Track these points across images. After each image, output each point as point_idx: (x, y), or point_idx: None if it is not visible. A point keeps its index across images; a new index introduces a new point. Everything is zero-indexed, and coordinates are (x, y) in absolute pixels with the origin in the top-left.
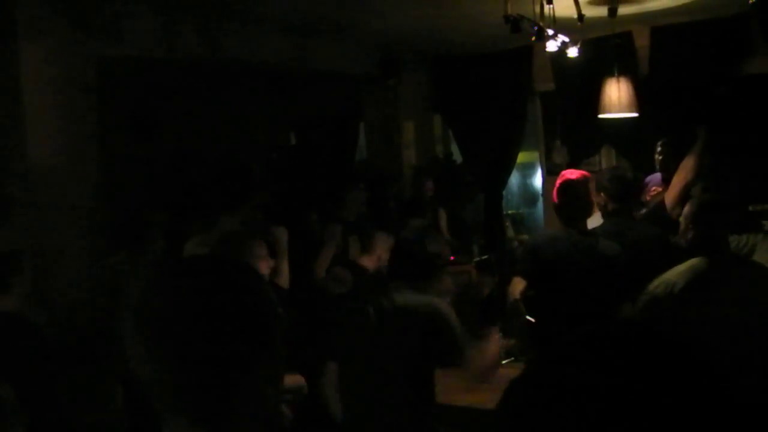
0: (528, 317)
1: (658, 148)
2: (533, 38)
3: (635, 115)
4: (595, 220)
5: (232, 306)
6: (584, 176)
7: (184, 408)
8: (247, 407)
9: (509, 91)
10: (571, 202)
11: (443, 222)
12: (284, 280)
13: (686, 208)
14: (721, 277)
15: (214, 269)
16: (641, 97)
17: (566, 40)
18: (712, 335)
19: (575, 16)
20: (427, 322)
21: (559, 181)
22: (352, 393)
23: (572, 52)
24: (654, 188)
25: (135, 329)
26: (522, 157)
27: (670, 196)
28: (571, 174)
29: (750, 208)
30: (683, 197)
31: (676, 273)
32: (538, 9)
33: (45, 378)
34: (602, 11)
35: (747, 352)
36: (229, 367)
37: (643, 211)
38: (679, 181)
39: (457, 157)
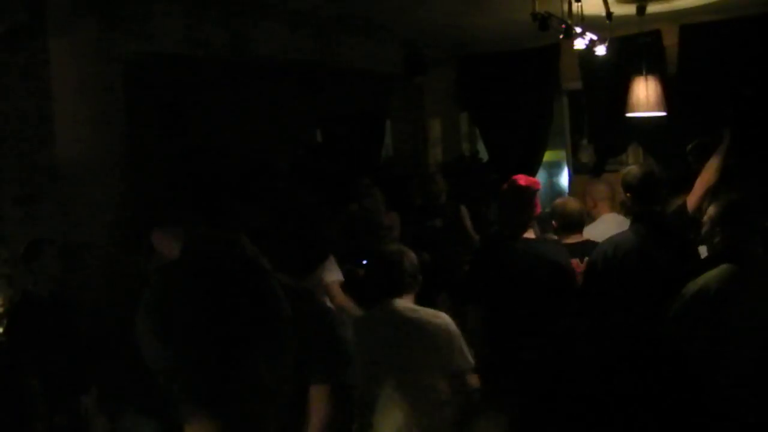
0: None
1: (690, 151)
2: (561, 36)
3: (663, 114)
4: (610, 223)
5: (235, 297)
6: (534, 185)
7: (191, 395)
8: (249, 396)
9: (536, 89)
10: (516, 208)
11: (467, 220)
12: None
13: (711, 209)
14: (754, 281)
15: (221, 263)
16: (669, 96)
17: (594, 38)
18: (748, 339)
19: (603, 13)
20: None
21: (507, 185)
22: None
23: (600, 50)
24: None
25: (146, 318)
26: (548, 155)
27: (693, 198)
28: (522, 180)
29: None
30: (706, 199)
31: (710, 277)
32: (566, 7)
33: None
34: (631, 9)
35: None
36: (231, 356)
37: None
38: (702, 182)
39: (484, 155)
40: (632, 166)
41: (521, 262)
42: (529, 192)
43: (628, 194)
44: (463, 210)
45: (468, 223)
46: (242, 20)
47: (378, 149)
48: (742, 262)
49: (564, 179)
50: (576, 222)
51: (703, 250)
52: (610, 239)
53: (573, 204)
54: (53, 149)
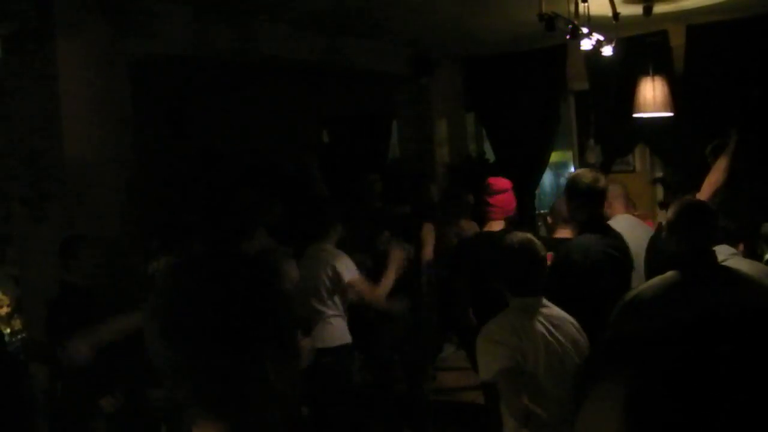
0: None
1: (709, 152)
2: (568, 37)
3: (670, 114)
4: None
5: (244, 300)
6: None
7: (198, 397)
8: (257, 398)
9: (543, 89)
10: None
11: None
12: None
13: (668, 213)
14: (688, 292)
15: (228, 264)
16: (676, 97)
17: (601, 38)
18: None
19: (610, 14)
20: None
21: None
22: None
23: (607, 50)
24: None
25: (153, 319)
26: (555, 156)
27: (702, 198)
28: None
29: None
30: (714, 199)
31: (648, 284)
32: (572, 7)
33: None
34: (637, 9)
35: None
36: (239, 360)
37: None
38: (710, 183)
39: (490, 155)
40: (580, 170)
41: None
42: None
43: (573, 202)
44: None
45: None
46: (249, 21)
47: (384, 149)
48: (685, 270)
49: None
50: (566, 218)
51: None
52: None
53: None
54: (61, 150)
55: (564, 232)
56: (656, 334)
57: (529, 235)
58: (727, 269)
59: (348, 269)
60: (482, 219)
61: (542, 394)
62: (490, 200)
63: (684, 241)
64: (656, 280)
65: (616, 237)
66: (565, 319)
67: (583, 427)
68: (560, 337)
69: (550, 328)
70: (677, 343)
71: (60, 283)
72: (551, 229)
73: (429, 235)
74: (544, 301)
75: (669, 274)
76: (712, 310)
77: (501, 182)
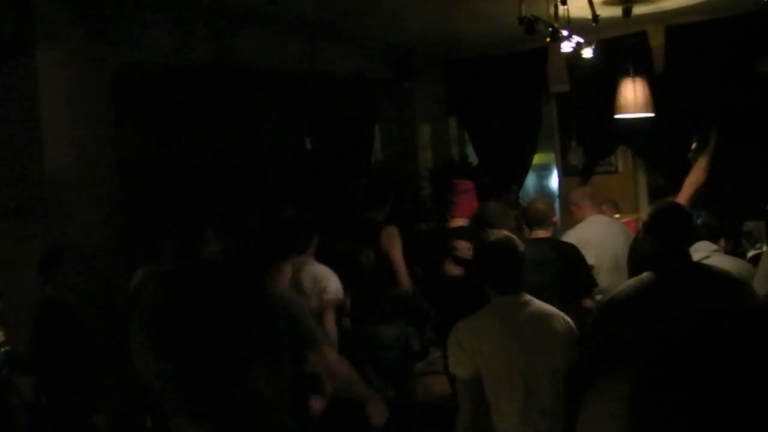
0: None
1: (693, 152)
2: (548, 39)
3: (651, 114)
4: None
5: (231, 308)
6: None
7: (185, 408)
8: (246, 408)
9: (524, 92)
10: None
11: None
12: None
13: (642, 217)
14: (663, 292)
15: (215, 272)
16: (657, 97)
17: (581, 40)
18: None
19: (590, 16)
20: None
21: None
22: None
23: (587, 52)
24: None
25: (139, 330)
26: (538, 158)
27: (682, 199)
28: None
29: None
30: (695, 199)
31: (625, 285)
32: (552, 10)
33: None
34: (617, 11)
35: None
36: (227, 369)
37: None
38: (690, 182)
39: (473, 159)
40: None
41: None
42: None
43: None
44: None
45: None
46: (230, 29)
47: (368, 155)
48: (665, 269)
49: (554, 181)
50: (539, 218)
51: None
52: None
53: (540, 203)
54: (41, 161)
55: (540, 233)
56: (652, 334)
57: (507, 233)
58: (704, 267)
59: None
60: (447, 216)
61: (504, 389)
62: (455, 199)
63: (659, 242)
64: (632, 281)
65: None
66: (551, 314)
67: (585, 426)
68: (537, 334)
69: (527, 325)
70: (668, 341)
71: (43, 300)
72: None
73: (391, 239)
74: (527, 297)
75: (645, 274)
76: (690, 309)
77: (464, 183)
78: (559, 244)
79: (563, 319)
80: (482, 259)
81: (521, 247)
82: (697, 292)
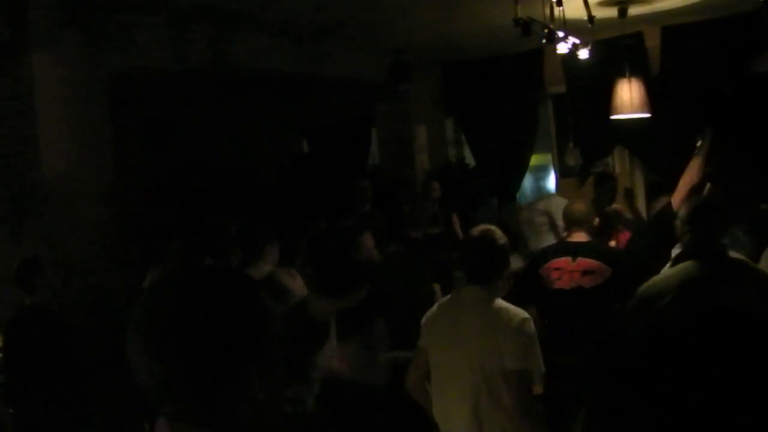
0: None
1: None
2: (544, 41)
3: (647, 115)
4: None
5: (224, 312)
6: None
7: (180, 411)
8: (241, 411)
9: (521, 94)
10: None
11: (457, 227)
12: None
13: (682, 211)
14: (712, 280)
15: (209, 277)
16: (653, 98)
17: (577, 41)
18: None
19: (585, 17)
20: None
21: None
22: None
23: (583, 53)
24: None
25: (134, 333)
26: (535, 159)
27: (677, 198)
28: None
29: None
30: (689, 198)
31: (667, 276)
32: (548, 11)
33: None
34: (612, 12)
35: None
36: (223, 373)
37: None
38: (685, 182)
39: (470, 160)
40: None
41: None
42: None
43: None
44: (455, 218)
45: (459, 230)
46: (226, 33)
47: (364, 157)
48: (705, 259)
49: (551, 183)
50: (577, 220)
51: None
52: None
53: (578, 204)
54: (39, 166)
55: (579, 236)
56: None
57: (489, 227)
58: (737, 259)
59: None
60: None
61: (436, 383)
62: None
63: (698, 234)
64: (670, 271)
65: None
66: (504, 312)
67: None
68: (480, 327)
69: (476, 316)
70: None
71: (22, 309)
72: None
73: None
74: (486, 292)
75: (682, 265)
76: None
77: None
78: (600, 249)
79: (521, 323)
80: (461, 251)
81: (500, 241)
82: (733, 280)
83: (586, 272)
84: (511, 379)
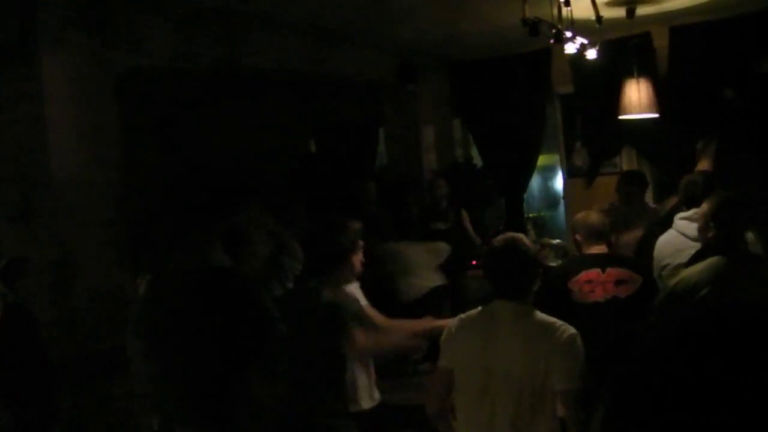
0: None
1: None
2: (552, 41)
3: (655, 115)
4: None
5: (227, 314)
6: None
7: (180, 412)
8: (243, 412)
9: (528, 94)
10: None
11: (467, 222)
12: None
13: (705, 206)
14: (740, 275)
15: (211, 279)
16: (661, 98)
17: (585, 42)
18: None
19: (593, 17)
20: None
21: None
22: None
23: (591, 53)
24: None
25: (135, 334)
26: (542, 159)
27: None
28: None
29: None
30: None
31: (697, 271)
32: (556, 11)
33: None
34: (620, 12)
35: None
36: (224, 373)
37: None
38: None
39: (478, 160)
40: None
41: None
42: None
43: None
44: (464, 213)
45: (469, 225)
46: (235, 33)
47: (372, 157)
48: (731, 254)
49: (559, 183)
50: (598, 232)
51: None
52: None
53: (595, 216)
54: (47, 167)
55: (599, 248)
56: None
57: (515, 235)
58: (759, 257)
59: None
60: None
61: (464, 392)
62: None
63: (725, 229)
64: (700, 266)
65: None
66: (548, 326)
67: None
68: (516, 345)
69: (507, 333)
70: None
71: (5, 308)
72: (579, 245)
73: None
74: (523, 307)
75: (712, 260)
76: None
77: None
78: (623, 258)
79: (567, 335)
80: (486, 262)
81: (529, 252)
82: (760, 277)
83: (619, 282)
84: (563, 399)
